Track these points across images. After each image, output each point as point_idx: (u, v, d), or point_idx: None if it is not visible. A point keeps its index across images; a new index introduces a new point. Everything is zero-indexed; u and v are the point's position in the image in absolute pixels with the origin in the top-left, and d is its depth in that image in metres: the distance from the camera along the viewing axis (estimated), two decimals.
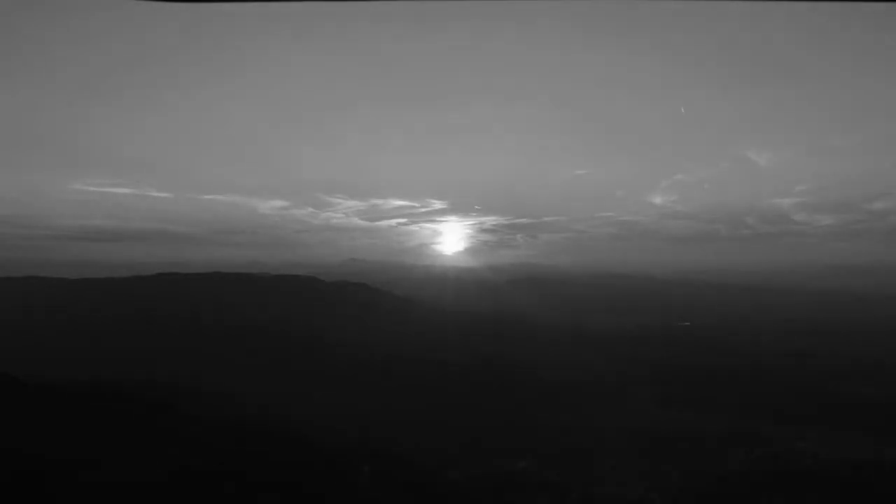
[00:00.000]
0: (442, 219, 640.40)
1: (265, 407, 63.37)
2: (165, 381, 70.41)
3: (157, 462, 43.28)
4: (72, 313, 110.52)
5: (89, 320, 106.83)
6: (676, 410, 70.95)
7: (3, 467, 39.74)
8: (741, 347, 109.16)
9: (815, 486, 48.56)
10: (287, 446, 50.07)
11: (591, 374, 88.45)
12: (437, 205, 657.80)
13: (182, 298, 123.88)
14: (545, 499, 47.55)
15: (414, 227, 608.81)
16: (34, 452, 42.50)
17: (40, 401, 52.18)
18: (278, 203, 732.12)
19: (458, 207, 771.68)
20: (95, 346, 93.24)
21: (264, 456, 46.84)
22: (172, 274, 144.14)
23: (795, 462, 53.29)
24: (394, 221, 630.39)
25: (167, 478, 41.24)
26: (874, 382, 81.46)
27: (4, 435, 44.84)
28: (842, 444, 56.71)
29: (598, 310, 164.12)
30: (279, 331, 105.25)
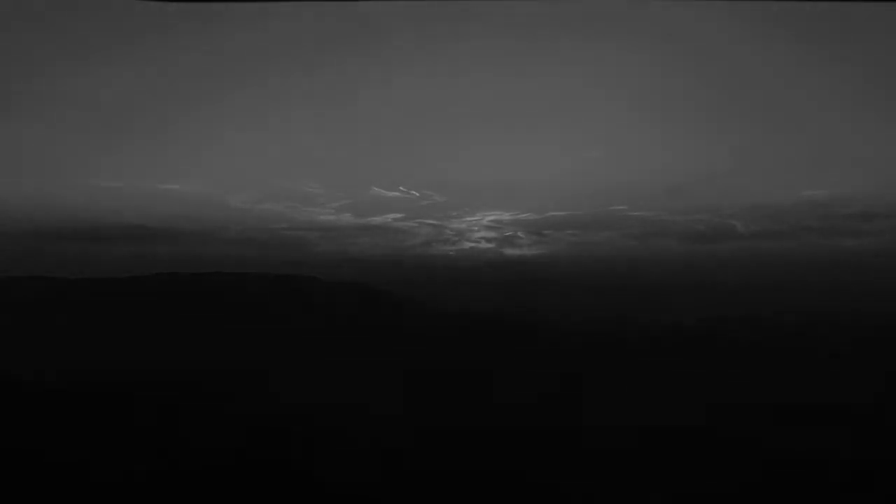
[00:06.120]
0: (441, 215, 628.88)
1: (264, 408, 63.48)
2: (165, 381, 70.56)
3: (157, 462, 43.21)
4: (72, 313, 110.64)
5: (90, 320, 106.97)
6: (677, 410, 70.76)
7: (2, 467, 39.66)
8: (745, 346, 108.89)
9: (816, 487, 48.49)
10: (285, 447, 50.01)
11: (592, 373, 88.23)
12: (436, 198, 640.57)
13: (183, 299, 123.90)
14: (545, 499, 47.47)
15: (412, 224, 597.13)
16: (33, 452, 42.44)
17: (39, 401, 52.14)
18: (250, 195, 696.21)
19: (457, 203, 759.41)
20: (95, 347, 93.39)
21: (261, 458, 46.72)
22: (172, 274, 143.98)
23: (796, 462, 53.22)
24: (389, 217, 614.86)
25: (166, 478, 41.14)
26: (880, 382, 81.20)
27: (3, 435, 44.79)
28: (843, 445, 56.67)
29: (602, 309, 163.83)
30: (280, 332, 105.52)
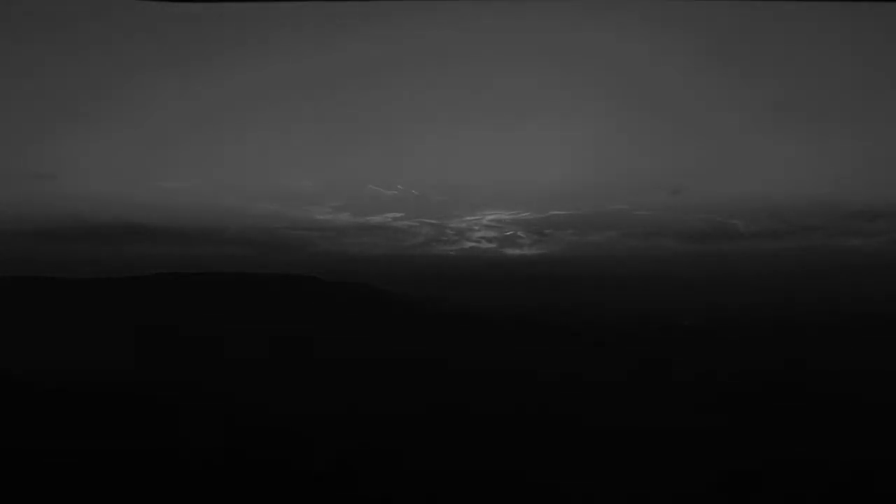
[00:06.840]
0: (441, 214, 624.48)
1: (264, 407, 63.49)
2: (165, 381, 70.65)
3: (158, 462, 43.25)
4: (72, 313, 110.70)
5: (90, 320, 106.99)
6: (677, 410, 70.78)
7: (2, 467, 39.72)
8: (744, 347, 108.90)
9: (815, 487, 48.54)
10: (283, 448, 50.03)
11: (593, 373, 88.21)
12: (436, 197, 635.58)
13: (183, 299, 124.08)
14: (545, 499, 47.48)
15: (412, 223, 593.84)
16: (33, 452, 42.50)
17: (39, 401, 52.27)
18: (249, 195, 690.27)
19: (457, 203, 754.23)
20: (95, 347, 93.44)
21: (261, 458, 46.80)
22: (172, 274, 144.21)
23: (796, 462, 53.28)
24: (389, 216, 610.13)
25: (166, 478, 41.21)
26: (881, 382, 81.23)
27: (3, 435, 44.85)
28: (843, 444, 56.72)
29: (603, 309, 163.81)
30: (280, 332, 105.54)
